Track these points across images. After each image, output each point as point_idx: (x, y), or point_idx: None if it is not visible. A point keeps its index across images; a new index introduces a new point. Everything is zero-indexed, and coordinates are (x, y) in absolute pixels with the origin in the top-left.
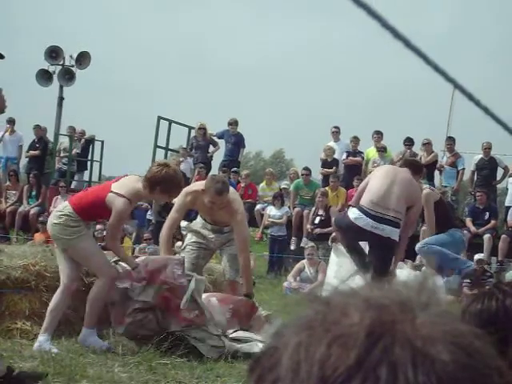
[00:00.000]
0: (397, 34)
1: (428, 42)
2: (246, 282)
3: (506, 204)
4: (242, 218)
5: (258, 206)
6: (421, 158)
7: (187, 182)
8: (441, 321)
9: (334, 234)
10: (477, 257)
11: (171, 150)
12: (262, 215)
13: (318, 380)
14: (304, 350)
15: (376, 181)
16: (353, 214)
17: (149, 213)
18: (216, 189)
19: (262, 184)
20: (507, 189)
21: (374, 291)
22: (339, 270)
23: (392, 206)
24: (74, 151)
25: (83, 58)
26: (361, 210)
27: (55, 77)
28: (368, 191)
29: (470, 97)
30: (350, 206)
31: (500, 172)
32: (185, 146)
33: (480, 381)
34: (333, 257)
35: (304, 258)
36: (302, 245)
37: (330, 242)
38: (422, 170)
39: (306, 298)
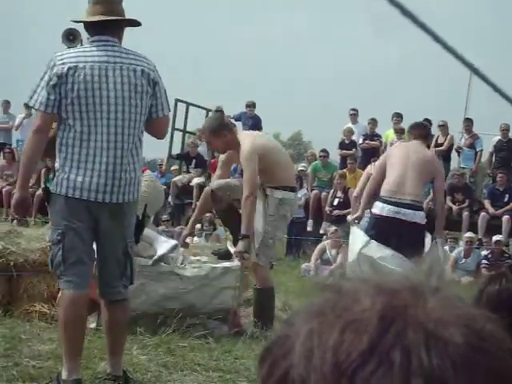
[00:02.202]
0: (404, 10)
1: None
2: (244, 222)
3: None
4: (244, 157)
5: None
6: (437, 140)
7: (205, 165)
8: (452, 304)
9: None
10: (495, 238)
11: (189, 133)
12: None
13: (332, 366)
14: (317, 336)
15: (392, 169)
16: (376, 207)
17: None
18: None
19: None
20: None
21: (384, 277)
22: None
23: (408, 191)
24: None
25: None
26: (381, 200)
27: None
28: (384, 184)
29: (476, 72)
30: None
31: None
32: None
33: (493, 363)
34: (352, 238)
35: (322, 241)
36: (321, 231)
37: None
38: (429, 130)
39: (317, 286)
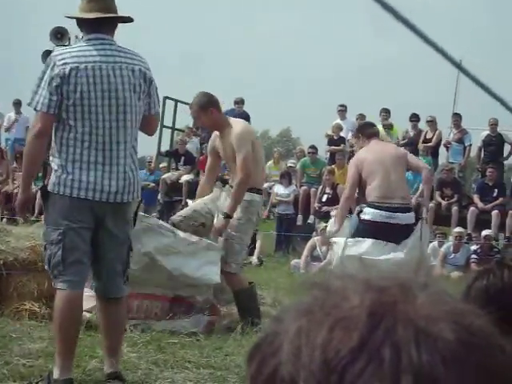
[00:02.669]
0: (384, 4)
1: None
2: (232, 203)
3: None
4: (239, 137)
5: (265, 185)
6: (426, 135)
7: (194, 162)
8: (441, 300)
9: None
10: (484, 233)
11: (177, 130)
12: (270, 194)
13: (321, 363)
14: (305, 334)
15: (372, 175)
16: (366, 214)
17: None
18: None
19: (270, 163)
20: None
21: (372, 274)
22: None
23: (397, 194)
24: None
25: None
26: (371, 207)
27: None
28: (371, 190)
29: (459, 67)
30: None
31: (507, 148)
32: (191, 125)
33: (483, 359)
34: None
35: (311, 237)
36: (309, 221)
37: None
38: (376, 129)
39: (305, 285)
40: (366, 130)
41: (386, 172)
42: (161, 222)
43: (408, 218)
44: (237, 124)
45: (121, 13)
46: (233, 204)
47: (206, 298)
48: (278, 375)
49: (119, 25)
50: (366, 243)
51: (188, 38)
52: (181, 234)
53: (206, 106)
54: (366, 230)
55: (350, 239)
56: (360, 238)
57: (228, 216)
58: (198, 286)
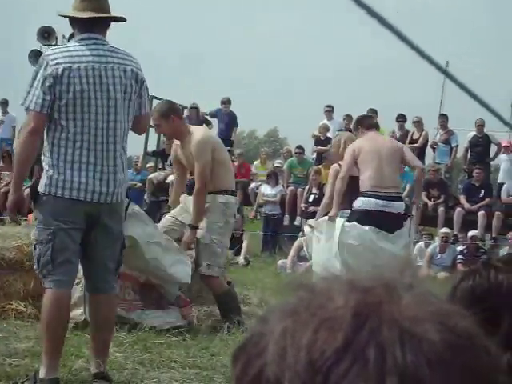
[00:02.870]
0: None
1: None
2: (195, 215)
3: (499, 181)
4: (197, 147)
5: (252, 185)
6: (412, 136)
7: None
8: (426, 301)
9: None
10: (471, 233)
11: None
12: (256, 194)
13: (306, 364)
14: (290, 335)
15: (367, 164)
16: (361, 202)
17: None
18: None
19: (256, 162)
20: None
21: (356, 274)
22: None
23: (391, 184)
24: None
25: None
26: (366, 195)
27: None
28: (365, 180)
29: (445, 72)
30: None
31: (493, 149)
32: None
33: (468, 360)
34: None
35: (298, 237)
36: (296, 223)
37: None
38: (374, 121)
39: (291, 285)
40: (365, 121)
41: (380, 163)
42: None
43: (401, 206)
44: (197, 131)
45: (116, 13)
46: (195, 214)
47: (174, 291)
48: (263, 376)
49: (119, 25)
50: (364, 229)
51: (188, 38)
52: (159, 225)
53: (167, 113)
54: (360, 218)
55: (347, 223)
56: (357, 224)
57: (194, 227)
58: (169, 281)
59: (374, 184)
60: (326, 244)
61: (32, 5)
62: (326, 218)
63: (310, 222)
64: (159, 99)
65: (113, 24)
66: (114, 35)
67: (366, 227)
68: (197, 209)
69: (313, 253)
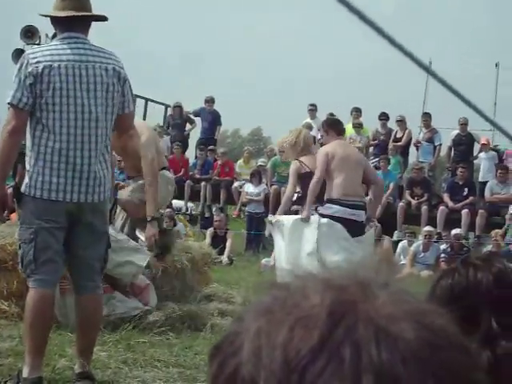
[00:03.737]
0: (350, 7)
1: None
2: (151, 205)
3: (480, 179)
4: (146, 142)
5: (236, 184)
6: (395, 134)
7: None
8: (402, 299)
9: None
10: (454, 232)
11: None
12: (240, 193)
13: (282, 363)
14: (265, 334)
15: (338, 171)
16: (329, 209)
17: None
18: None
19: (240, 161)
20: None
21: (332, 273)
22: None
23: (357, 193)
24: None
25: None
26: (335, 203)
27: None
28: (335, 186)
29: (428, 71)
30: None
31: (477, 147)
32: (161, 124)
33: (444, 358)
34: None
35: None
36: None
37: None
38: (343, 126)
39: (266, 284)
40: (337, 127)
41: (349, 171)
42: None
43: (363, 215)
44: (141, 126)
45: (98, 11)
46: (153, 205)
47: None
48: (238, 375)
49: (119, 25)
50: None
51: (188, 38)
52: (117, 224)
53: None
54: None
55: (323, 219)
56: (333, 222)
57: (153, 218)
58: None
59: (344, 192)
60: (293, 244)
61: (15, 4)
62: (292, 217)
63: (270, 217)
64: (142, 98)
65: (112, 24)
66: (114, 35)
67: (339, 225)
68: (152, 199)
69: (277, 251)
